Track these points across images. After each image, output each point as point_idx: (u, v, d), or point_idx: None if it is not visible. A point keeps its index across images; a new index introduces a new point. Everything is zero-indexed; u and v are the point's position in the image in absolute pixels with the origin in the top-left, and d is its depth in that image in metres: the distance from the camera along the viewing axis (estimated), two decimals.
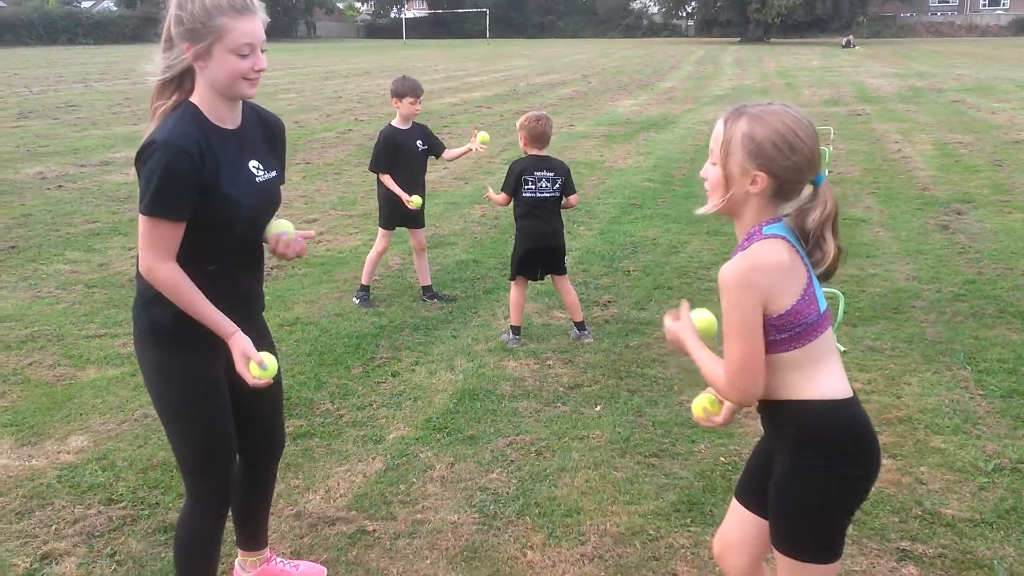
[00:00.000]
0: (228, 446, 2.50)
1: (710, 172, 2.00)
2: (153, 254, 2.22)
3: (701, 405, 2.28)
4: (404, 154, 5.63)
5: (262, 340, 2.62)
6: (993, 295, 5.83)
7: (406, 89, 5.54)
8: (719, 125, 1.97)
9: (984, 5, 71.78)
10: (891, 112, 16.64)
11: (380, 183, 5.70)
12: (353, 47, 54.56)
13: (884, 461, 3.66)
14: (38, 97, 19.87)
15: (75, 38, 55.32)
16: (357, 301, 5.83)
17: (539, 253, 5.07)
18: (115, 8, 64.67)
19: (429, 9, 78.19)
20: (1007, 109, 16.63)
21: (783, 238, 1.92)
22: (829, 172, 10.15)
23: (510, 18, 74.49)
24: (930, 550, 3.07)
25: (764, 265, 1.89)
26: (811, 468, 1.97)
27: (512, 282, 5.16)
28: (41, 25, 54.30)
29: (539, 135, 4.98)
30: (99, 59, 36.53)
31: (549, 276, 5.19)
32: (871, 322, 5.37)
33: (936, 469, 3.63)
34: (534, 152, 5.00)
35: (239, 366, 2.29)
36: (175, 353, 2.37)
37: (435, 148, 5.76)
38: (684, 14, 70.09)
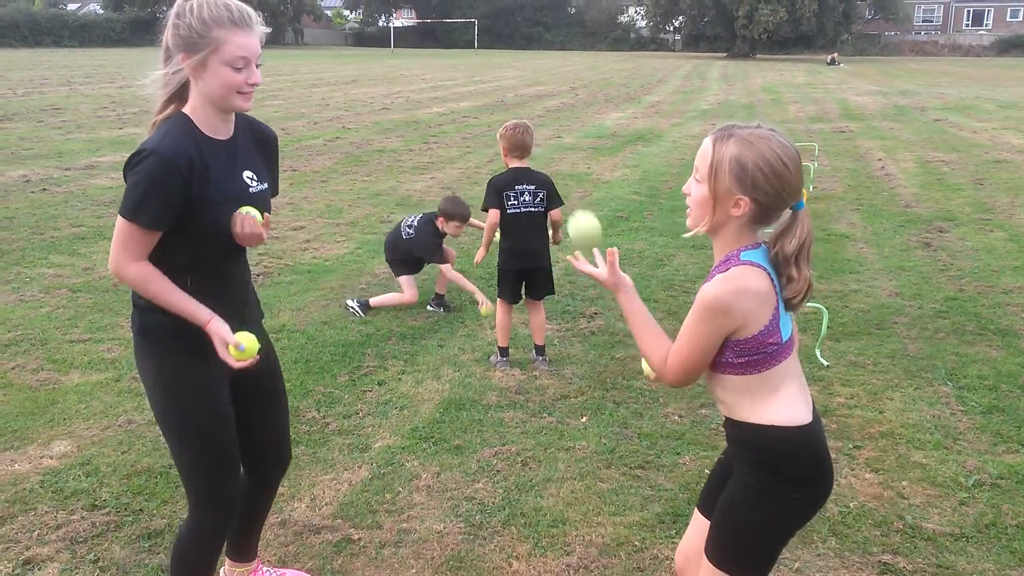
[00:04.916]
0: (232, 456, 2.45)
1: (694, 189, 2.01)
2: (125, 256, 2.23)
3: None
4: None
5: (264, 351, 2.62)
6: (974, 312, 5.90)
7: (456, 213, 5.63)
8: (707, 144, 1.97)
9: (967, 25, 72.81)
10: (875, 129, 16.82)
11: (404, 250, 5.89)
12: (341, 55, 54.55)
13: (866, 475, 3.72)
14: (22, 99, 19.72)
15: (60, 40, 54.92)
16: (356, 305, 5.81)
17: (522, 275, 4.92)
18: (101, 11, 64.41)
19: (417, 18, 78.28)
20: (988, 129, 16.85)
21: (761, 267, 1.94)
22: (813, 188, 10.26)
23: (498, 29, 74.75)
24: (911, 564, 3.11)
25: (745, 291, 1.91)
26: (763, 490, 2.01)
27: (499, 300, 5.01)
28: (26, 27, 53.85)
29: (519, 144, 4.75)
30: (84, 62, 36.34)
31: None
32: (854, 337, 5.42)
33: (917, 484, 3.67)
34: (515, 164, 4.81)
35: (220, 351, 2.28)
36: (173, 360, 2.35)
37: None
38: (671, 28, 70.62)
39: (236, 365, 2.29)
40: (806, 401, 2.04)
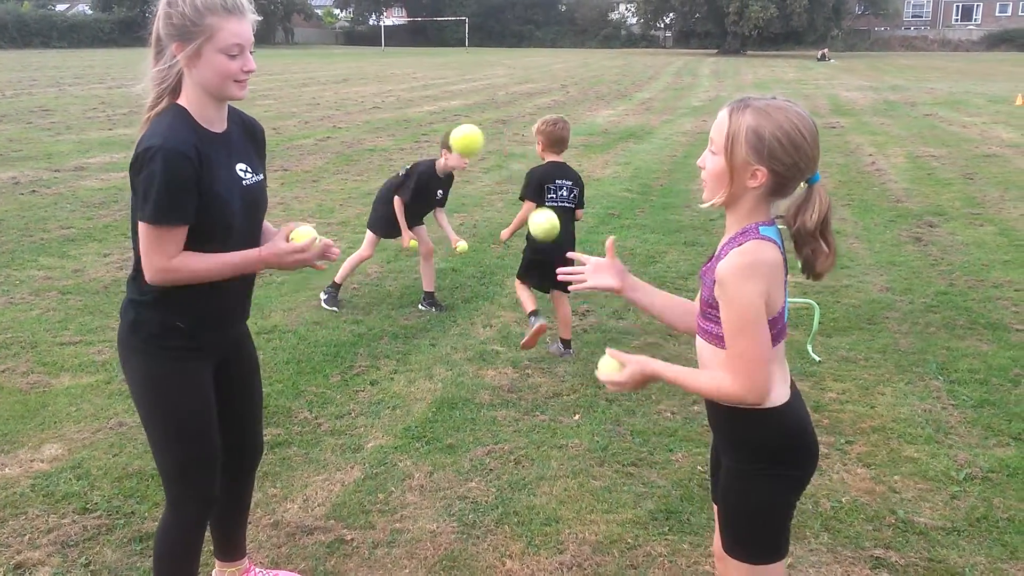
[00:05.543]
0: (213, 455, 2.46)
1: (709, 161, 1.97)
2: (160, 259, 2.19)
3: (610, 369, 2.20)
4: (424, 195, 5.72)
5: (244, 348, 2.62)
6: (965, 306, 5.93)
7: None
8: (723, 115, 1.94)
9: (956, 20, 73.04)
10: (865, 125, 16.86)
11: (392, 202, 5.71)
12: (331, 54, 54.42)
13: (858, 470, 3.73)
14: (11, 101, 19.61)
15: (49, 41, 54.56)
16: (324, 296, 5.83)
17: (547, 265, 4.88)
18: (90, 12, 64.03)
19: (408, 17, 78.17)
20: (978, 123, 16.91)
21: (776, 243, 1.93)
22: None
23: (489, 27, 74.72)
24: (903, 558, 3.12)
25: (765, 261, 1.89)
26: (750, 472, 2.01)
27: (517, 280, 5.11)
28: (14, 28, 53.45)
29: (558, 139, 4.86)
30: (73, 63, 36.17)
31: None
32: (846, 332, 5.44)
33: (909, 478, 3.68)
34: (552, 158, 4.91)
35: (293, 259, 2.36)
36: (161, 360, 2.34)
37: (442, 201, 5.90)
38: (662, 25, 70.59)
39: (314, 243, 2.42)
40: (786, 380, 2.03)
